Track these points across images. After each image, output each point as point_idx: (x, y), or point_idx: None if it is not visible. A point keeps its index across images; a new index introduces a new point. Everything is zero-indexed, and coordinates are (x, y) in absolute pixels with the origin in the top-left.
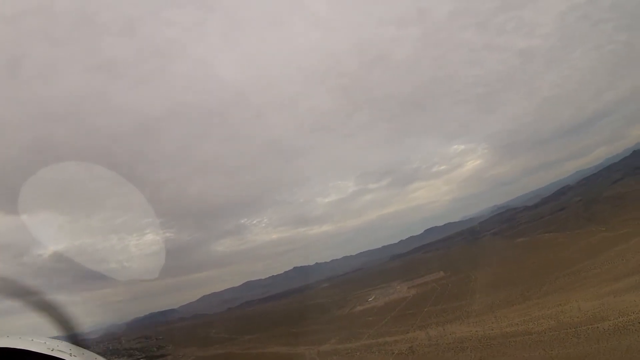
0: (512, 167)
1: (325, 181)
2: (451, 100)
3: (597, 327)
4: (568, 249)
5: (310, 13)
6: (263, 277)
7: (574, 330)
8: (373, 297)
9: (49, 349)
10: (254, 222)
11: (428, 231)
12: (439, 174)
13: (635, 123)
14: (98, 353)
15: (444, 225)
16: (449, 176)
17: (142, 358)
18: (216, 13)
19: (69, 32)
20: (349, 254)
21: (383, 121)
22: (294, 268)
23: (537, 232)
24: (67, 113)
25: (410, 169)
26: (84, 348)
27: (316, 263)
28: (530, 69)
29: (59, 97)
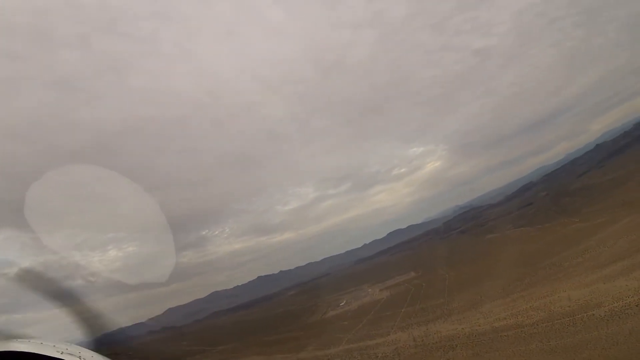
0: (472, 167)
1: (284, 189)
2: (409, 102)
3: (593, 314)
4: (542, 241)
5: (265, 21)
6: (228, 288)
7: (569, 319)
8: (344, 301)
9: (59, 352)
10: (216, 233)
11: (391, 234)
12: (399, 176)
13: (595, 117)
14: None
15: (407, 227)
16: (409, 178)
17: None
18: (170, 25)
19: (26, 47)
20: (313, 260)
21: (340, 126)
22: (259, 277)
23: (507, 228)
24: (25, 130)
25: (369, 173)
26: (93, 350)
27: (280, 271)
28: (488, 68)
29: (17, 114)
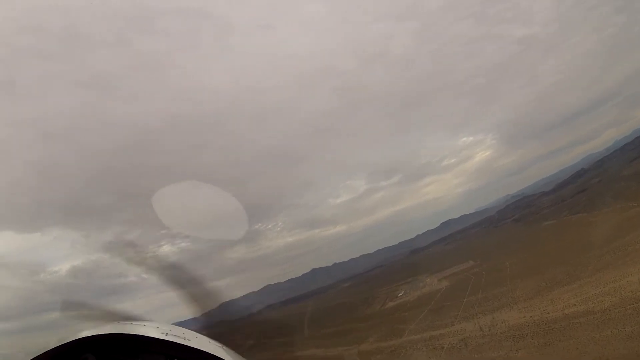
0: (521, 156)
1: (334, 182)
2: (453, 92)
3: None
4: (602, 226)
5: (303, 14)
6: (282, 281)
7: None
8: (402, 292)
9: (163, 333)
10: (268, 227)
11: (444, 224)
12: (449, 167)
13: None
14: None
15: (460, 217)
16: (460, 168)
17: None
18: (208, 21)
19: (61, 48)
20: (367, 252)
21: (385, 118)
22: (312, 269)
23: (563, 215)
24: (65, 130)
25: (419, 164)
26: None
27: (334, 263)
28: (530, 56)
29: (55, 115)
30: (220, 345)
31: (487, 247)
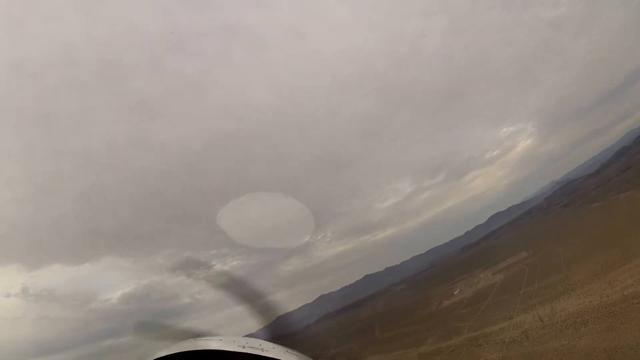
0: (562, 141)
1: (380, 186)
2: (489, 83)
3: None
4: None
5: (333, 19)
6: (335, 290)
7: None
8: (458, 289)
9: (240, 346)
10: (318, 237)
11: (492, 218)
12: (492, 159)
13: None
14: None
15: (507, 209)
16: (503, 160)
17: None
18: (239, 36)
19: (96, 78)
20: (417, 253)
21: (425, 116)
22: (365, 276)
23: (612, 194)
24: (109, 158)
25: (462, 160)
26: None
27: (386, 268)
28: (562, 38)
29: (98, 144)
30: (296, 353)
31: (538, 236)
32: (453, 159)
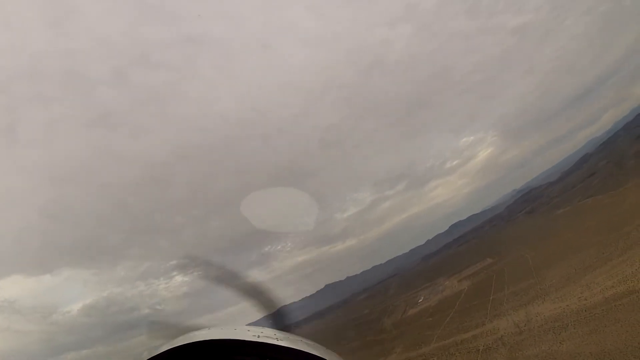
0: (524, 149)
1: (342, 196)
2: (453, 92)
3: None
4: (622, 205)
5: (298, 30)
6: (297, 300)
7: None
8: (422, 297)
9: (255, 335)
10: (278, 248)
11: (453, 226)
12: (452, 169)
13: (638, 80)
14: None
15: (468, 217)
16: (463, 169)
17: None
18: (205, 47)
19: (61, 90)
20: (378, 262)
21: (389, 126)
22: (326, 286)
23: (577, 200)
24: (72, 170)
25: (423, 169)
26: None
27: (347, 277)
28: (527, 45)
29: (62, 157)
30: (311, 342)
31: (502, 242)
32: (414, 168)
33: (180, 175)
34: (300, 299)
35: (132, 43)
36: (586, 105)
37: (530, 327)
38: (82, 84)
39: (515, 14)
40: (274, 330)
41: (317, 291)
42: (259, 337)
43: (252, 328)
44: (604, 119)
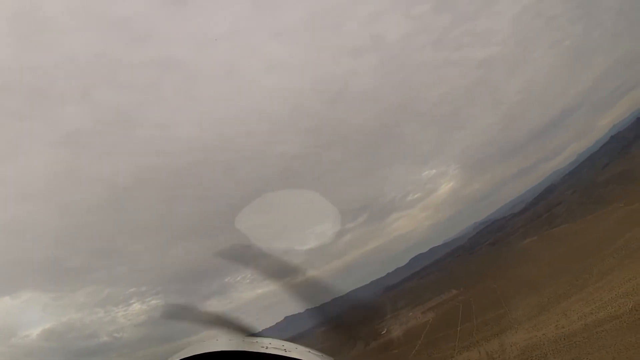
0: (486, 181)
1: (302, 228)
2: (418, 124)
3: None
4: (593, 232)
5: (264, 57)
6: (256, 332)
7: None
8: (385, 329)
9: (263, 347)
10: (238, 279)
11: (414, 259)
12: (414, 202)
13: (602, 112)
14: None
15: (429, 250)
16: (425, 202)
17: None
18: (171, 70)
19: (26, 105)
20: (338, 294)
21: (352, 157)
22: (285, 317)
23: (544, 230)
24: (37, 189)
25: (385, 202)
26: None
27: (306, 309)
28: (493, 78)
29: (26, 175)
30: (319, 354)
31: (467, 274)
32: (376, 200)
33: (143, 199)
34: (259, 330)
35: (99, 62)
36: (550, 138)
37: (505, 358)
38: (47, 100)
39: (482, 47)
40: (282, 341)
41: (276, 323)
42: (267, 348)
43: (260, 339)
44: (569, 151)
